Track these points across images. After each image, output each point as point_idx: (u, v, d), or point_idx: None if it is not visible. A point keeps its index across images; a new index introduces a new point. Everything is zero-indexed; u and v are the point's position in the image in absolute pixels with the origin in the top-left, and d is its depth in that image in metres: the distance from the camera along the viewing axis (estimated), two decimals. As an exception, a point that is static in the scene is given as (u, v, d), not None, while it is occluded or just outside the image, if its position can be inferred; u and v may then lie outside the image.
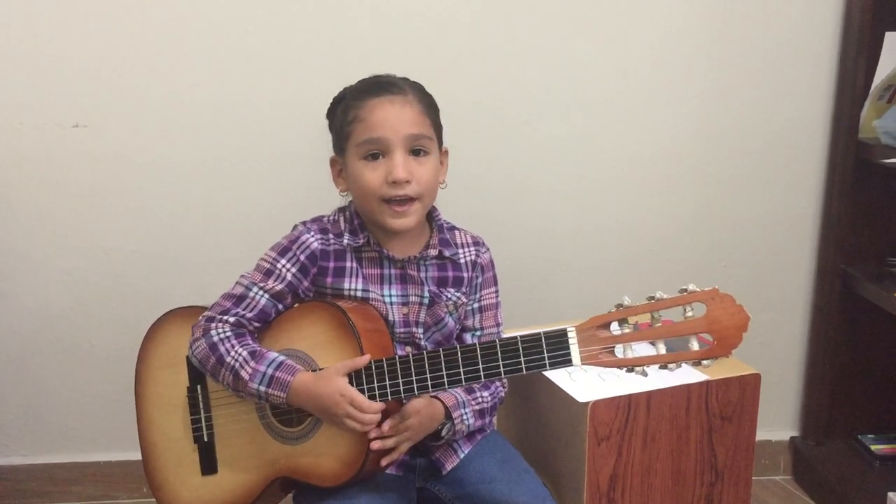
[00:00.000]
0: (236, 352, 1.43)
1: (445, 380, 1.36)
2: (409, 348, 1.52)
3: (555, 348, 1.30)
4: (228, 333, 1.45)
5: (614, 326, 1.27)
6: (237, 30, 2.02)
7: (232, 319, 1.47)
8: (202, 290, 1.95)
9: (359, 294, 1.50)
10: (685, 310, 1.24)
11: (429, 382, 1.36)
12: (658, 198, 2.20)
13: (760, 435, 1.80)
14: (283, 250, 1.50)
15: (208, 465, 1.55)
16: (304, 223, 1.54)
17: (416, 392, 1.38)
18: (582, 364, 1.28)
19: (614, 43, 2.10)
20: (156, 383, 1.58)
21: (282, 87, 2.05)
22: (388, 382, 1.38)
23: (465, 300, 1.57)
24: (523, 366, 1.32)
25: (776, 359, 2.32)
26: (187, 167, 2.09)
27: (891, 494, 1.99)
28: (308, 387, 1.39)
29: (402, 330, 1.51)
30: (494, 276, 1.63)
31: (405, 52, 2.04)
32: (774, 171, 2.21)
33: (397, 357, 1.38)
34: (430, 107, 1.51)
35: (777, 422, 2.37)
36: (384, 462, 1.44)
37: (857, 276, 2.14)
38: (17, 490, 2.26)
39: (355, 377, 1.38)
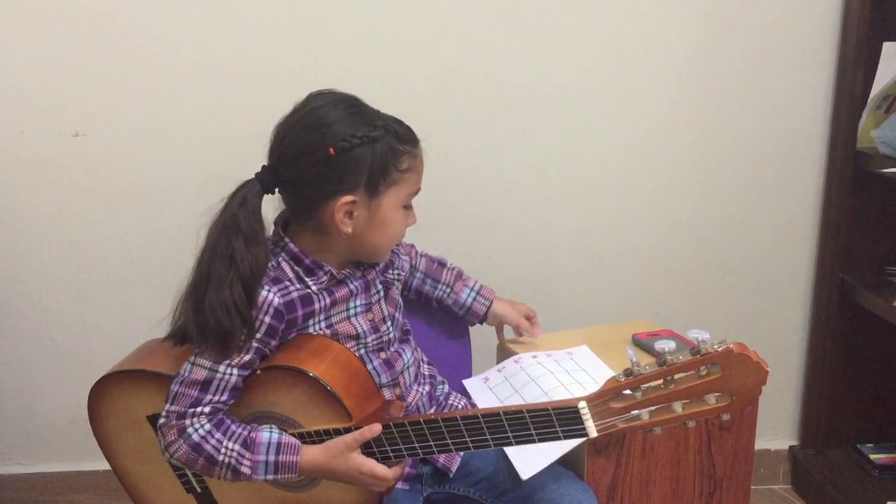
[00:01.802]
0: (226, 447, 1.34)
1: (452, 447, 1.33)
2: (383, 354, 1.50)
3: (566, 423, 1.26)
4: (208, 427, 1.35)
5: (626, 391, 1.23)
6: (237, 38, 2.02)
7: (207, 409, 1.35)
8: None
9: (326, 331, 1.44)
10: (699, 368, 1.19)
11: (433, 448, 1.34)
12: (656, 206, 2.21)
13: (759, 444, 1.80)
14: None
15: None
16: None
17: (420, 455, 1.36)
18: (599, 434, 1.26)
19: (612, 51, 2.10)
20: (124, 442, 1.52)
21: (284, 95, 2.04)
22: (388, 448, 1.35)
23: (404, 272, 1.62)
24: (535, 437, 1.28)
25: (775, 368, 2.26)
26: (188, 176, 2.08)
27: (890, 504, 1.99)
28: (321, 465, 1.35)
29: (372, 338, 1.49)
30: None
31: (402, 62, 2.05)
32: (773, 180, 2.21)
33: (407, 424, 1.33)
34: None
35: (776, 431, 2.37)
36: None
37: (856, 285, 2.13)
38: (14, 499, 2.25)
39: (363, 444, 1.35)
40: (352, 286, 1.47)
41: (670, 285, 2.25)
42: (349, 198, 1.37)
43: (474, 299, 1.74)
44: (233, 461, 1.34)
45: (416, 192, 1.44)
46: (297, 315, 1.40)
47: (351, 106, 1.40)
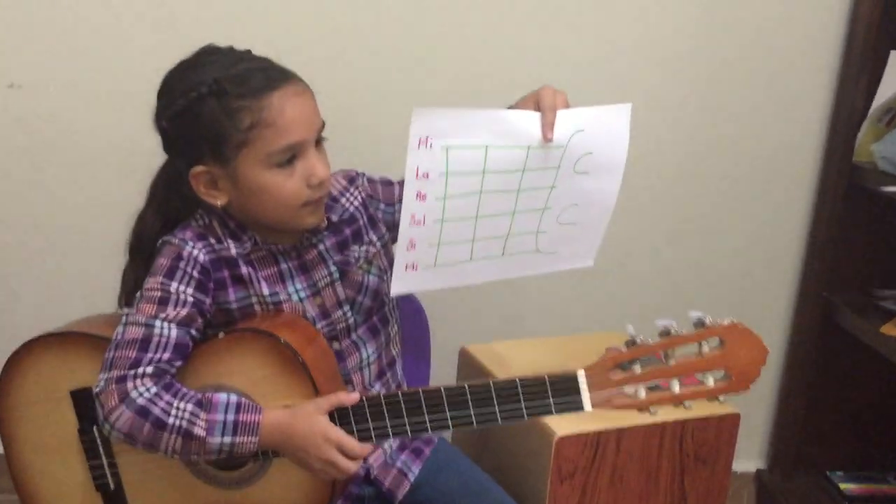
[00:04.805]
0: (177, 408, 1.21)
1: (429, 426, 1.23)
2: (336, 344, 1.37)
3: (562, 394, 1.21)
4: (155, 390, 1.22)
5: (626, 364, 1.21)
6: None
7: (150, 370, 1.23)
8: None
9: (268, 300, 1.33)
10: (700, 344, 1.19)
11: (407, 428, 1.23)
12: (636, 214, 2.11)
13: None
14: (168, 272, 1.28)
15: None
16: (173, 236, 1.32)
17: (391, 436, 1.25)
18: (593, 408, 1.21)
19: (606, 56, 2.01)
20: (29, 423, 1.36)
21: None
22: (355, 426, 1.24)
23: (375, 247, 1.41)
24: (525, 412, 1.21)
25: (748, 385, 2.23)
26: (131, 134, 1.87)
27: (859, 539, 1.92)
28: (283, 426, 1.22)
29: (323, 324, 1.35)
30: (384, 178, 1.44)
31: (392, 59, 1.94)
32: (760, 190, 2.13)
33: (382, 398, 1.24)
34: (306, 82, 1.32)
35: (743, 452, 2.22)
36: None
37: (840, 306, 2.06)
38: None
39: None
40: (284, 266, 1.35)
41: (646, 295, 2.17)
42: (199, 168, 1.27)
43: None
44: (185, 423, 1.21)
45: (290, 147, 1.25)
46: (223, 275, 1.31)
47: (186, 67, 1.28)
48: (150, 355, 1.23)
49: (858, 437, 2.23)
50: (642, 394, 1.20)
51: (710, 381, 1.19)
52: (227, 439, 1.21)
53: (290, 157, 1.25)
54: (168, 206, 1.37)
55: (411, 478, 1.41)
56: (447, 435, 1.44)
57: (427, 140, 1.19)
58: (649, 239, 2.14)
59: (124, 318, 1.28)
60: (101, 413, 1.24)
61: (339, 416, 1.24)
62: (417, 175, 1.20)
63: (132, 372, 1.22)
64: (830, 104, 2.06)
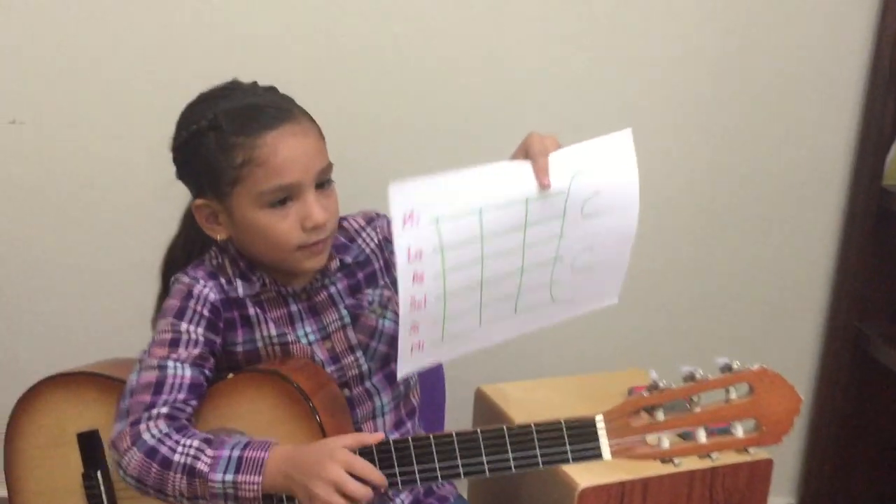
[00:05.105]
0: (184, 445, 1.17)
1: (439, 473, 1.16)
2: (346, 391, 1.32)
3: (580, 440, 1.14)
4: (166, 430, 1.19)
5: (649, 410, 1.15)
6: (187, 15, 1.84)
7: (164, 411, 1.20)
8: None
9: (275, 341, 1.30)
10: (728, 391, 1.12)
11: (416, 476, 1.17)
12: (655, 242, 2.04)
13: None
14: (178, 313, 1.26)
15: None
16: (185, 274, 1.30)
17: (399, 486, 1.18)
18: (613, 457, 1.14)
19: (621, 75, 1.96)
20: (38, 467, 1.35)
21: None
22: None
23: (390, 290, 1.37)
24: (539, 459, 1.15)
25: (777, 419, 2.17)
26: (139, 172, 1.89)
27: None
28: (290, 455, 1.15)
29: (332, 369, 1.31)
30: None
31: (392, 65, 1.89)
32: (786, 217, 2.09)
33: (391, 443, 1.18)
34: (316, 124, 1.29)
35: (774, 487, 2.14)
36: None
37: (872, 336, 2.01)
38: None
39: None
40: (294, 308, 1.32)
41: (668, 329, 2.11)
42: (200, 201, 1.29)
43: None
44: (189, 459, 1.17)
45: (282, 188, 1.22)
46: (233, 315, 1.30)
47: (201, 100, 1.29)
48: (164, 397, 1.22)
49: (893, 472, 2.18)
50: (666, 443, 1.13)
51: (739, 431, 1.12)
52: (230, 477, 1.15)
53: (283, 198, 1.23)
54: (193, 238, 1.37)
55: None
56: (461, 484, 1.37)
57: (412, 216, 1.07)
58: (671, 269, 2.09)
59: (138, 364, 1.26)
60: (116, 459, 1.21)
61: None
62: (409, 257, 1.09)
63: (147, 414, 1.21)
64: (857, 126, 2.02)
